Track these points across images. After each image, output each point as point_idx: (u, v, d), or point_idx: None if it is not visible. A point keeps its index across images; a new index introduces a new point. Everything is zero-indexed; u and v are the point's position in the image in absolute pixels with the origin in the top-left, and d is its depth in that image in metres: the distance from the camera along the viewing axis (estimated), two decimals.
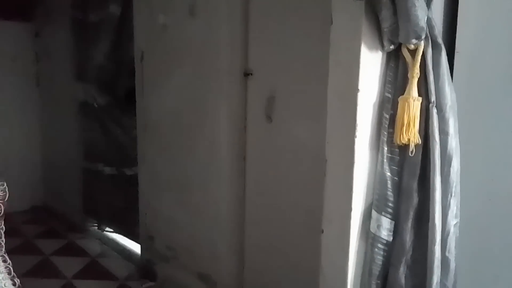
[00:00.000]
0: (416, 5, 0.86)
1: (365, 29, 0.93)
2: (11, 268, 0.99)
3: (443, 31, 1.28)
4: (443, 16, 1.27)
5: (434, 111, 0.98)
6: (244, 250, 1.77)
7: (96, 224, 2.66)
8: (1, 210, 0.89)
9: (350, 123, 0.96)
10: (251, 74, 1.69)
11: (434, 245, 0.95)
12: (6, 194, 0.90)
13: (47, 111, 3.05)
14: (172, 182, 2.06)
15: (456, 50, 1.26)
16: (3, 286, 0.86)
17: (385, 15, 0.90)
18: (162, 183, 2.12)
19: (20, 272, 2.12)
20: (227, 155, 1.76)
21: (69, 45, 2.65)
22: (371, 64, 0.98)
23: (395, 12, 0.89)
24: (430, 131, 0.98)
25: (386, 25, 0.92)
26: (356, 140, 0.96)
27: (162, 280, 2.09)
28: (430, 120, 0.98)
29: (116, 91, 2.35)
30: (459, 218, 1.03)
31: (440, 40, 0.99)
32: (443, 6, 1.27)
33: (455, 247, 1.04)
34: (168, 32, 2.00)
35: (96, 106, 2.43)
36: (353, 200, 0.98)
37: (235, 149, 1.74)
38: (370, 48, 0.96)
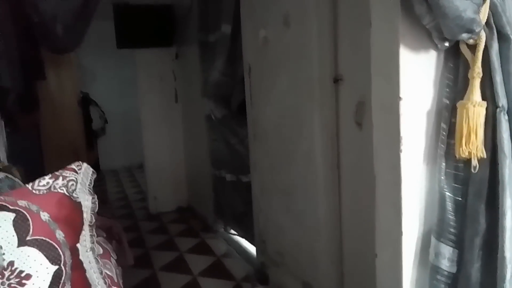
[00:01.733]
0: None
1: (404, 28, 0.82)
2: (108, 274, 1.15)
3: None
4: None
5: (504, 117, 0.79)
6: (343, 260, 1.71)
7: (223, 226, 2.91)
8: (92, 219, 1.07)
9: (394, 135, 0.85)
10: (341, 79, 1.63)
11: (503, 281, 0.77)
12: (96, 206, 1.08)
13: (186, 124, 3.49)
14: (278, 189, 2.12)
15: None
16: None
17: (420, 11, 0.77)
18: (270, 189, 2.20)
19: (159, 266, 2.52)
20: (321, 163, 1.73)
21: (196, 65, 2.98)
22: (418, 67, 0.85)
23: (429, 7, 0.75)
24: (498, 142, 0.79)
25: (426, 22, 0.79)
26: (402, 154, 0.85)
27: (274, 285, 2.17)
28: (498, 128, 0.79)
29: (231, 104, 2.54)
30: None
31: (509, 31, 0.80)
32: None
33: None
34: (269, 44, 2.07)
35: (214, 118, 2.67)
36: (404, 223, 0.87)
37: (328, 157, 1.70)
38: (415, 48, 0.84)
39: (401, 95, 0.84)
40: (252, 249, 2.54)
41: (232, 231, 2.81)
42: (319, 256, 1.77)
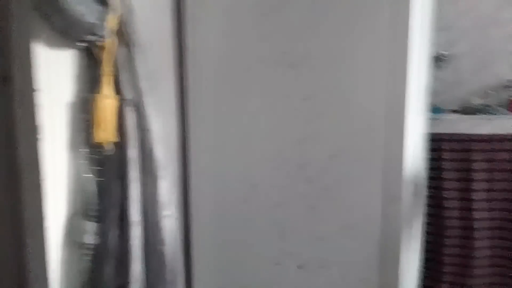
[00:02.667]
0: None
1: (40, 26, 0.88)
2: None
3: (176, 32, 1.32)
4: (173, 16, 1.32)
5: (130, 108, 0.99)
6: None
7: None
8: None
9: (32, 124, 0.90)
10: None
11: (131, 240, 0.97)
12: None
13: None
14: None
15: (186, 47, 1.32)
16: None
17: (48, 11, 0.86)
18: None
19: None
20: None
21: None
22: (57, 62, 0.93)
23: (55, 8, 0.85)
24: (126, 129, 0.98)
25: (54, 21, 0.88)
26: (42, 143, 0.91)
27: None
28: (124, 118, 0.98)
29: None
30: (173, 211, 1.06)
31: (134, 36, 1.00)
32: (171, 7, 1.32)
33: (174, 238, 1.08)
34: None
35: None
36: (48, 207, 0.93)
37: None
38: (53, 46, 0.91)
39: (37, 87, 0.89)
40: None
41: None
42: None
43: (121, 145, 0.99)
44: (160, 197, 1.03)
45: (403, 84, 1.05)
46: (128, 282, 0.96)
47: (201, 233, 1.37)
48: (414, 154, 1.25)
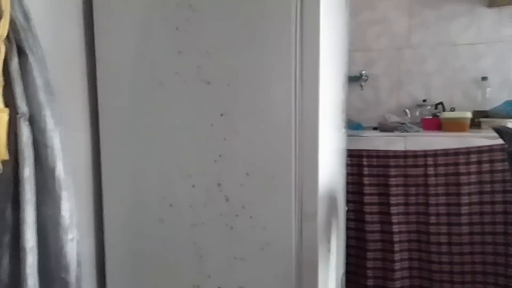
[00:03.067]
0: None
1: None
2: None
3: (86, 43, 1.25)
4: (83, 26, 1.25)
5: (24, 123, 0.90)
6: None
7: None
8: None
9: None
10: None
11: (25, 269, 0.87)
12: None
13: None
14: None
15: (96, 59, 1.25)
16: None
17: None
18: None
19: None
20: None
21: None
22: None
23: None
24: (19, 145, 0.89)
25: None
26: None
27: None
28: (18, 133, 0.90)
29: None
30: (75, 233, 0.98)
31: (28, 47, 0.91)
32: (82, 16, 1.25)
33: (77, 264, 0.99)
34: None
35: None
36: None
37: None
38: None
39: None
40: None
41: None
42: None
43: (13, 164, 0.90)
44: (63, 220, 0.94)
45: (316, 101, 1.06)
46: None
47: (116, 255, 1.28)
48: (331, 170, 1.27)
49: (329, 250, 1.24)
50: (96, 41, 1.23)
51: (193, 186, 1.19)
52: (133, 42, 1.19)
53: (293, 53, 1.06)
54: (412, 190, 1.80)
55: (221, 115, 1.14)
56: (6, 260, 0.88)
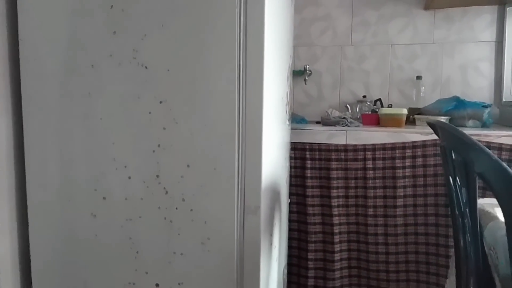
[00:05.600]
0: None
1: None
2: None
3: (7, 19, 1.13)
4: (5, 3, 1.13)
5: None
6: None
7: None
8: None
9: None
10: None
11: None
12: None
13: None
14: None
15: (19, 38, 1.13)
16: None
17: None
18: None
19: None
20: None
21: None
22: None
23: None
24: None
25: None
26: None
27: None
28: None
29: None
30: None
31: None
32: None
33: None
34: None
35: None
36: None
37: None
38: None
39: None
40: None
41: None
42: None
43: None
44: None
45: (260, 91, 1.04)
46: None
47: (42, 253, 1.18)
48: (274, 162, 1.25)
49: (271, 244, 1.23)
50: (19, 18, 1.12)
51: (129, 177, 1.11)
52: (62, 20, 1.09)
53: (237, 40, 1.02)
54: (352, 183, 1.84)
55: (160, 102, 1.07)
56: None
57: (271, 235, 1.23)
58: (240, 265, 1.09)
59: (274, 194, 1.26)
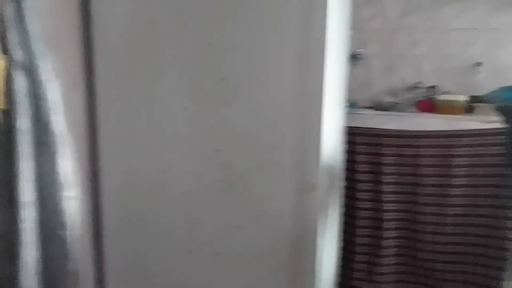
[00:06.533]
0: None
1: None
2: None
3: None
4: None
5: (19, 72, 0.85)
6: None
7: None
8: None
9: None
10: None
11: (27, 222, 0.83)
12: None
13: None
14: None
15: (92, 17, 1.18)
16: None
17: None
18: None
19: None
20: None
21: None
22: None
23: None
24: (14, 95, 0.84)
25: None
26: None
27: None
28: (15, 82, 0.84)
29: None
30: (76, 192, 0.94)
31: None
32: None
33: (78, 222, 0.96)
34: None
35: None
36: None
37: None
38: None
39: None
40: None
41: None
42: None
43: (9, 114, 0.85)
44: (60, 176, 0.90)
45: (322, 71, 1.04)
46: (19, 271, 0.82)
47: (111, 218, 1.24)
48: (331, 144, 1.26)
49: (327, 223, 1.24)
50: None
51: (190, 152, 1.15)
52: (131, 1, 1.13)
53: (301, 19, 1.02)
54: (404, 169, 1.81)
55: (223, 79, 1.10)
56: (3, 213, 0.83)
57: (326, 215, 1.24)
58: (296, 242, 1.11)
59: (331, 174, 1.26)
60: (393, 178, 1.83)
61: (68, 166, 0.93)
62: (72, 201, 0.94)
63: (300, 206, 1.10)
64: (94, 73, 1.19)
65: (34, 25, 0.87)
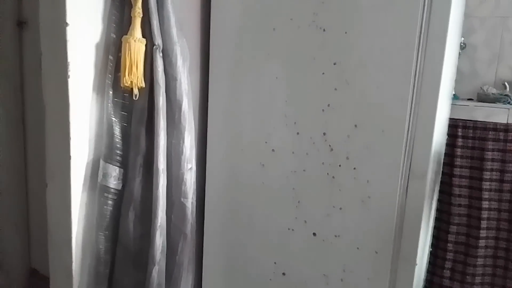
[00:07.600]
0: None
1: None
2: None
3: None
4: None
5: (159, 54, 0.95)
6: None
7: None
8: None
9: (62, 61, 0.86)
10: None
11: (157, 189, 0.94)
12: None
13: None
14: None
15: (211, 5, 1.27)
16: None
17: None
18: None
19: None
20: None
21: None
22: None
23: None
24: (154, 74, 0.95)
25: None
26: (70, 80, 0.87)
27: None
28: (154, 63, 0.95)
29: None
30: (193, 164, 1.04)
31: None
32: None
33: (193, 192, 1.06)
34: None
35: None
36: (72, 149, 0.90)
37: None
38: None
39: (68, 21, 0.85)
40: None
41: None
42: None
43: (149, 92, 0.96)
44: (185, 150, 1.01)
45: (440, 60, 1.01)
46: (152, 231, 0.94)
47: (215, 192, 1.35)
48: (440, 133, 1.23)
49: (431, 212, 1.22)
50: None
51: (298, 133, 1.20)
52: None
53: (421, 4, 1.01)
54: (510, 166, 1.70)
55: (334, 64, 1.13)
56: (139, 179, 0.96)
57: (431, 204, 1.22)
58: (399, 228, 1.11)
59: (437, 163, 1.24)
60: (496, 175, 1.72)
61: (191, 141, 1.03)
62: (193, 172, 1.05)
63: (406, 192, 1.10)
64: (209, 58, 1.29)
65: (171, 13, 0.97)
